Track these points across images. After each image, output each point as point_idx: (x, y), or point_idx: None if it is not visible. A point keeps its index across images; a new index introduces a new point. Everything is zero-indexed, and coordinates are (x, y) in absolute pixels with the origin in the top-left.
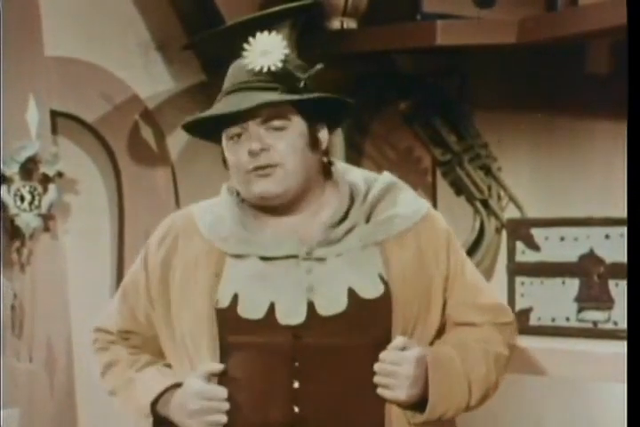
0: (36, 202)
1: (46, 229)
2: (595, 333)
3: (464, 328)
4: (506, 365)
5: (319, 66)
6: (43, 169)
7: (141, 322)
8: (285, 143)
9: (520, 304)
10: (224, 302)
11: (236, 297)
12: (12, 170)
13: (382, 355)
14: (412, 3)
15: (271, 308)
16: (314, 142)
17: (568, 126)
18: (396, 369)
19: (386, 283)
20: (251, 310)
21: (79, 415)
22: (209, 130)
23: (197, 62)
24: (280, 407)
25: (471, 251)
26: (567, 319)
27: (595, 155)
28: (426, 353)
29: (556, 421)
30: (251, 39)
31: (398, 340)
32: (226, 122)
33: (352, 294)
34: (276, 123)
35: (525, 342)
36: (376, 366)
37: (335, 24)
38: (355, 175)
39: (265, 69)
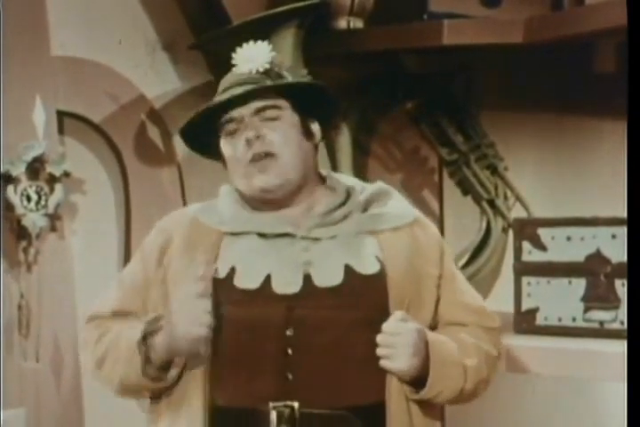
0: (43, 202)
1: (53, 228)
2: (601, 333)
3: (455, 328)
4: (494, 364)
5: (305, 72)
6: (49, 169)
7: (138, 305)
8: (279, 133)
9: (527, 304)
10: (221, 273)
11: (233, 269)
12: (19, 170)
13: (384, 326)
14: (419, 2)
15: (267, 279)
16: (308, 133)
17: (575, 126)
18: (397, 340)
19: (381, 263)
20: (247, 279)
21: (86, 415)
22: (206, 137)
23: (204, 62)
24: (274, 374)
25: (478, 251)
26: (574, 319)
27: (602, 154)
28: (424, 328)
29: (562, 421)
30: (237, 48)
31: (398, 313)
32: (221, 120)
33: (349, 269)
34: (269, 113)
35: (532, 341)
36: (378, 338)
37: (342, 24)
38: (349, 180)
39: (253, 71)
